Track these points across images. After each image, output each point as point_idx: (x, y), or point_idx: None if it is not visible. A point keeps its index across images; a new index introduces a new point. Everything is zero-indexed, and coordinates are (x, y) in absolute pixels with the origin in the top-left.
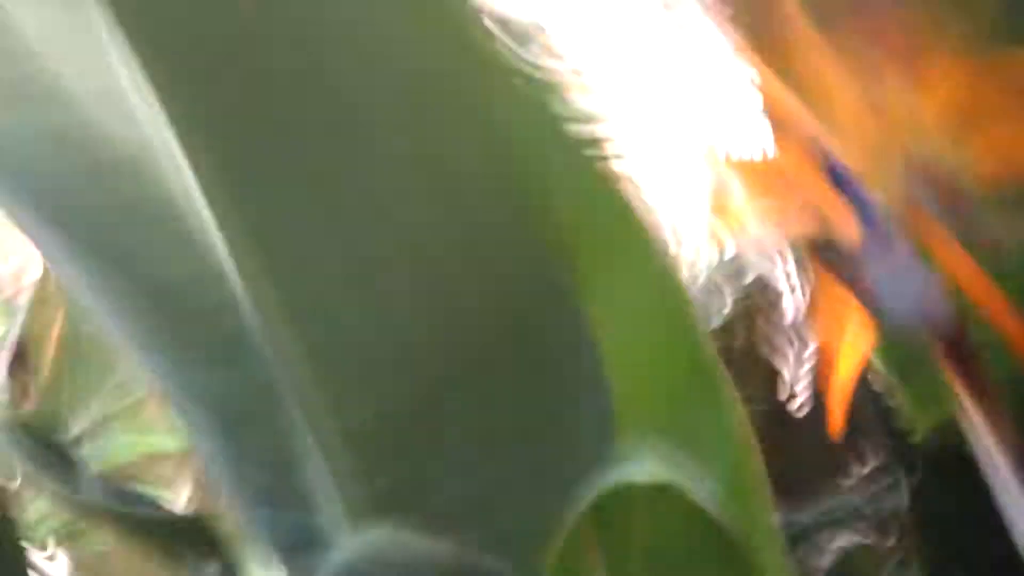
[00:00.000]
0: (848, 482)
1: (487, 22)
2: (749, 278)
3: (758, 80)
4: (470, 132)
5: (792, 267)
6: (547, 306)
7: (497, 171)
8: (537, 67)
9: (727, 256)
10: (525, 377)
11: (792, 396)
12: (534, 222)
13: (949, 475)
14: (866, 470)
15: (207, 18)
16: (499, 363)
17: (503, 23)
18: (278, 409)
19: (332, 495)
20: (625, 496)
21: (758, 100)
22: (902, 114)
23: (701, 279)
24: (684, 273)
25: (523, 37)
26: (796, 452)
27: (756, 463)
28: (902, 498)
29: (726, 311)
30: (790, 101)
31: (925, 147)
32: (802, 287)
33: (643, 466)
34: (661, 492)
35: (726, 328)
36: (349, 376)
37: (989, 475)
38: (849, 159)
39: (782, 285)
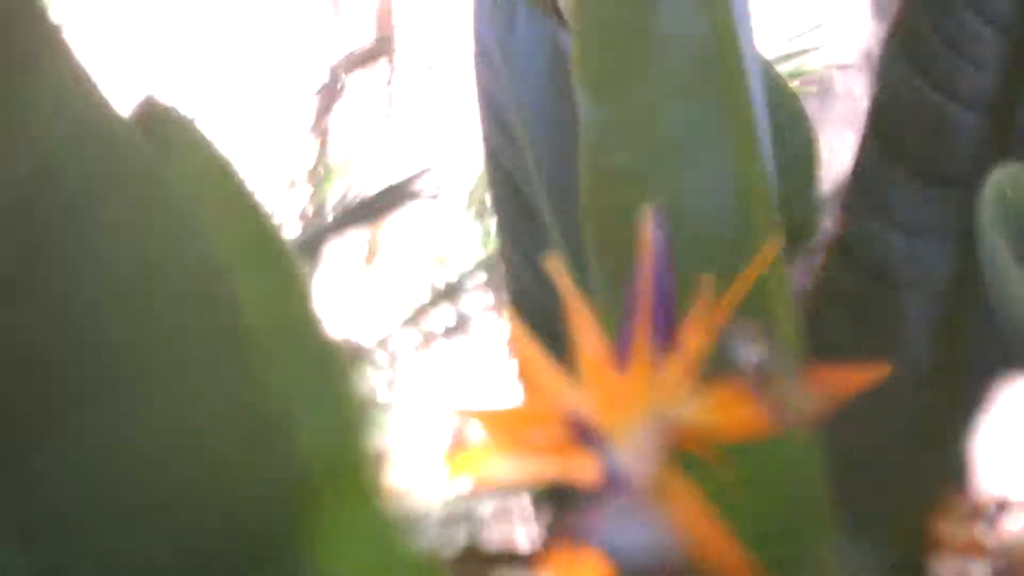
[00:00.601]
0: None
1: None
2: (484, 513)
3: (507, 333)
4: (216, 376)
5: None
6: (272, 546)
7: (241, 414)
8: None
9: (462, 494)
10: None
11: None
12: (273, 464)
13: None
14: None
15: None
16: None
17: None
18: None
19: None
20: None
21: (505, 352)
22: (646, 369)
23: (436, 514)
24: (419, 509)
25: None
26: None
27: None
28: None
29: (461, 546)
30: (536, 354)
31: (669, 402)
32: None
33: None
34: None
35: (461, 562)
36: None
37: None
38: (592, 412)
39: (516, 522)
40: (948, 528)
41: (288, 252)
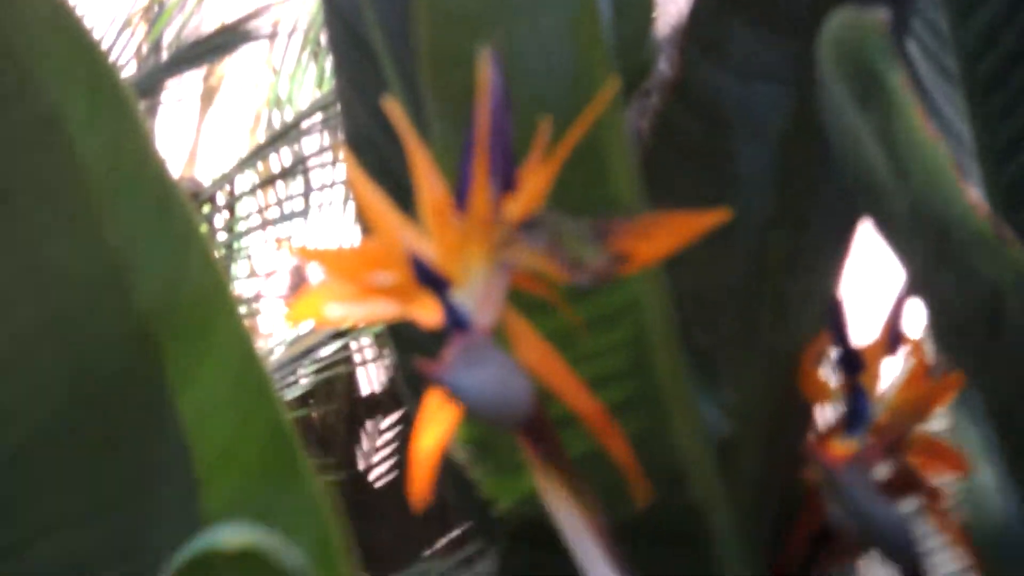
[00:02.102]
0: (433, 550)
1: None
2: (325, 353)
3: (350, 175)
4: (57, 207)
5: (368, 345)
6: (128, 378)
7: (82, 252)
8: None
9: (303, 332)
10: (104, 450)
11: (371, 466)
12: (119, 296)
13: (532, 544)
14: (450, 539)
15: None
16: (77, 436)
17: None
18: None
19: None
20: (212, 562)
21: (348, 193)
22: (486, 212)
23: (277, 354)
24: (262, 349)
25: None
26: (380, 520)
27: (338, 529)
28: (487, 566)
29: (304, 384)
30: (374, 195)
31: (508, 242)
32: (377, 364)
33: (227, 533)
34: (247, 557)
35: (305, 400)
36: None
37: (570, 544)
38: (433, 254)
39: (358, 361)
40: (813, 373)
41: (126, 93)
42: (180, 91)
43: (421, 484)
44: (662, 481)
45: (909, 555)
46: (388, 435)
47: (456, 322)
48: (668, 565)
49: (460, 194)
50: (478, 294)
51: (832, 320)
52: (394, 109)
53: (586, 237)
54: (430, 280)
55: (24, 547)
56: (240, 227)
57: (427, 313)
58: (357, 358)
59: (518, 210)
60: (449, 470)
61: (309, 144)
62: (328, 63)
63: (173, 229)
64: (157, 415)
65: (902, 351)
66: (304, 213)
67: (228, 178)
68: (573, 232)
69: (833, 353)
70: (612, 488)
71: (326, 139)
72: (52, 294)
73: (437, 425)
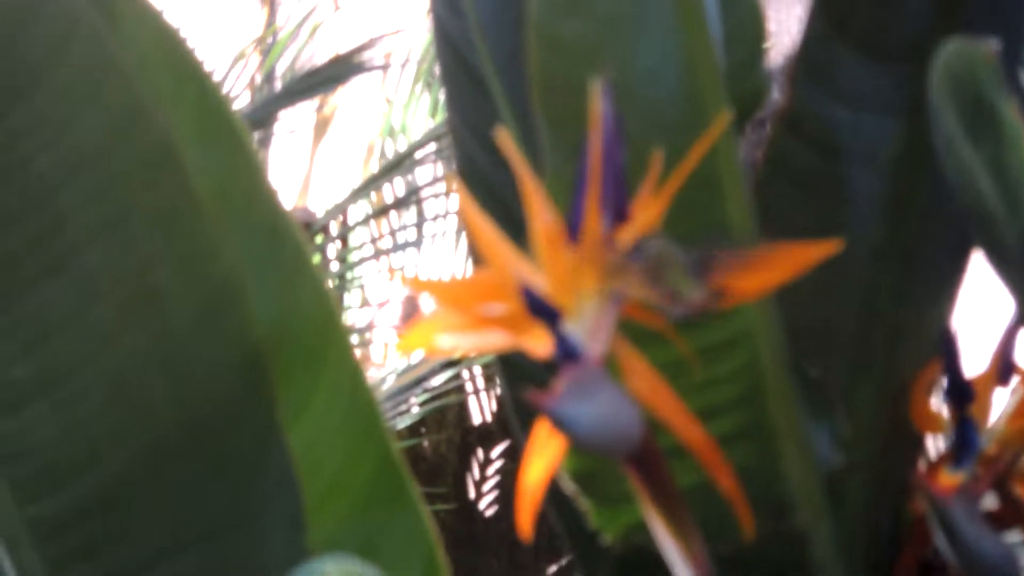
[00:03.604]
0: None
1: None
2: (436, 383)
3: (462, 206)
4: (169, 233)
5: (479, 374)
6: (237, 407)
7: (194, 280)
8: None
9: (414, 362)
10: (210, 476)
11: (480, 496)
12: (229, 324)
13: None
14: (555, 568)
15: None
16: (184, 462)
17: None
18: None
19: None
20: None
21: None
22: (598, 242)
23: (388, 383)
24: (372, 379)
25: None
26: (484, 554)
27: (443, 560)
28: None
29: (415, 413)
30: (486, 226)
31: (618, 272)
32: (488, 393)
33: (331, 566)
34: None
35: (416, 430)
36: (34, 469)
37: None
38: (543, 285)
39: (469, 390)
40: (924, 403)
41: (237, 123)
42: (293, 122)
43: (527, 514)
44: (769, 512)
45: None
46: (497, 465)
47: (567, 353)
48: None
49: (572, 225)
50: (589, 325)
51: (943, 350)
52: (505, 139)
53: (688, 269)
54: (541, 311)
55: (133, 572)
56: (353, 257)
57: (538, 344)
58: (469, 387)
59: (629, 241)
60: (557, 500)
61: (422, 174)
62: (441, 93)
63: (285, 258)
64: (265, 443)
65: (1013, 382)
66: (417, 243)
67: (341, 208)
68: (676, 262)
69: (943, 383)
70: (718, 520)
71: (439, 169)
72: (163, 321)
73: (545, 456)
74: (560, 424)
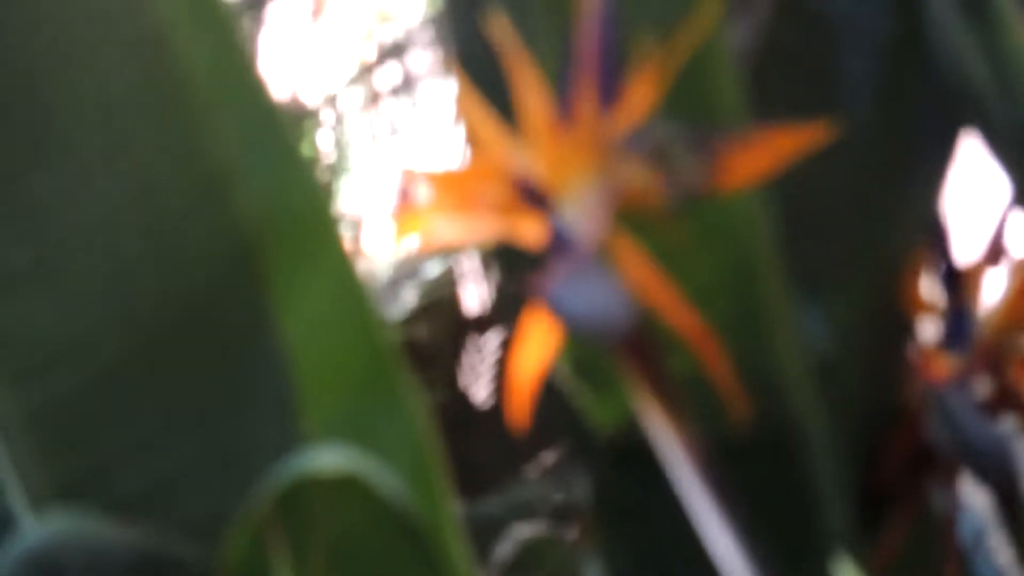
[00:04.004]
0: (531, 474)
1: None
2: (431, 275)
3: (456, 95)
4: (160, 123)
5: (475, 266)
6: (229, 294)
7: (185, 164)
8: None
9: (409, 253)
10: (204, 362)
11: (474, 388)
12: (220, 213)
13: (632, 470)
14: (549, 463)
15: None
16: (177, 348)
17: None
18: None
19: (14, 479)
20: (308, 488)
21: (453, 114)
22: (592, 128)
23: (384, 275)
24: (366, 268)
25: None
26: (479, 443)
27: (436, 453)
28: (585, 491)
29: (409, 305)
30: (482, 113)
31: (613, 156)
32: (484, 285)
33: (325, 457)
34: (343, 484)
35: (409, 322)
36: (28, 356)
37: (670, 470)
38: (538, 172)
39: (464, 282)
40: (914, 287)
41: (230, 11)
42: (287, 7)
43: (519, 405)
44: (761, 399)
45: (1005, 475)
46: (493, 354)
47: (560, 239)
48: (763, 482)
49: (566, 108)
50: (583, 211)
51: (934, 234)
52: (499, 24)
53: (687, 148)
54: (534, 198)
55: (120, 462)
56: (347, 145)
57: (533, 232)
58: (463, 277)
59: (624, 123)
60: (549, 389)
61: (417, 61)
62: None
63: (275, 145)
64: (257, 332)
65: (1006, 266)
66: (412, 131)
67: (335, 96)
68: (675, 142)
69: (935, 269)
70: (712, 411)
71: (436, 56)
72: (154, 212)
73: (538, 345)
74: (553, 307)
